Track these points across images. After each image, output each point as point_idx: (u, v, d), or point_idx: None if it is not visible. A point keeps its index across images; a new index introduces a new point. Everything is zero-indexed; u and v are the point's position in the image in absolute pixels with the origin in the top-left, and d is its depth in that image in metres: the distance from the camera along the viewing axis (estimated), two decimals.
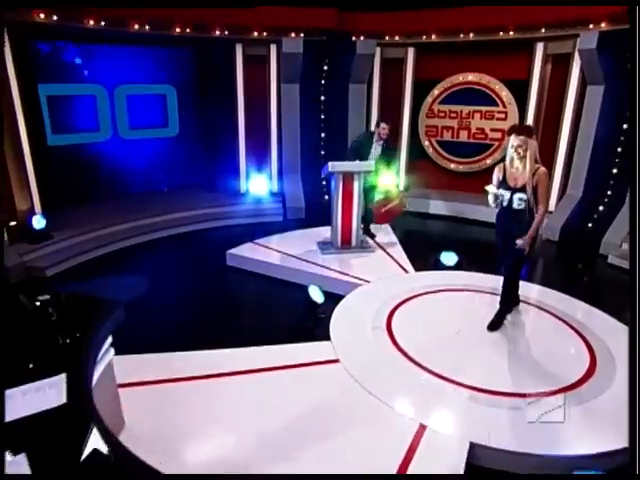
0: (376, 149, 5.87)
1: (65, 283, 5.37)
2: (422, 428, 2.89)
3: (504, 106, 7.59)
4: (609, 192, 6.65)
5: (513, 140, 3.68)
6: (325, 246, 5.88)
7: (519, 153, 3.65)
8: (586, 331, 4.02)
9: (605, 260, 6.14)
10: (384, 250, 5.91)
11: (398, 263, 5.47)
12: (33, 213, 5.99)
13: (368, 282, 4.93)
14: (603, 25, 6.15)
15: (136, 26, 6.55)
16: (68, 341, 2.26)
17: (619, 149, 6.48)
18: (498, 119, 7.63)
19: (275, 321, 4.44)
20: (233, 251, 5.77)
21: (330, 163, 5.42)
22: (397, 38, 7.63)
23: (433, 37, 7.47)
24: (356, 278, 5.00)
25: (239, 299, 5.09)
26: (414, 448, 2.74)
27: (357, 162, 5.58)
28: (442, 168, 8.34)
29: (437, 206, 8.03)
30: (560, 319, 4.24)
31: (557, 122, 7.03)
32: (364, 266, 5.37)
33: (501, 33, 6.97)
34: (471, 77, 7.75)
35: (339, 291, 4.84)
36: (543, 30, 6.73)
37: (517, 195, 3.70)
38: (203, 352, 3.62)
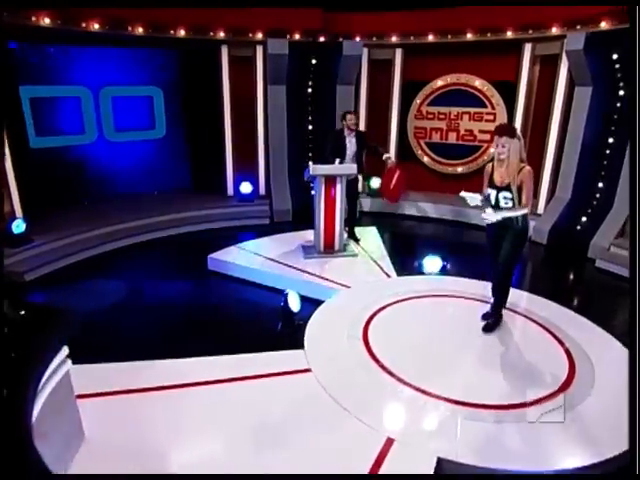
0: (351, 142, 5.78)
1: (44, 288, 5.31)
2: (389, 442, 2.80)
3: (493, 107, 7.50)
4: (597, 195, 6.57)
5: (496, 140, 3.71)
6: (308, 250, 5.80)
7: (502, 153, 3.65)
8: (567, 339, 3.93)
9: (593, 264, 6.06)
10: (368, 254, 5.83)
11: (381, 268, 5.39)
12: (14, 217, 5.91)
13: (348, 287, 4.84)
14: (591, 26, 6.06)
15: (132, 28, 6.51)
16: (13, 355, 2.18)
17: (607, 151, 6.40)
18: (487, 120, 7.55)
19: (251, 328, 4.35)
20: (214, 255, 5.68)
21: (311, 166, 5.33)
22: (385, 39, 7.54)
23: (421, 38, 7.39)
24: (336, 283, 4.92)
25: (216, 305, 4.99)
26: (380, 462, 2.66)
27: (339, 165, 5.50)
28: (431, 170, 8.26)
29: (426, 209, 7.96)
30: (542, 327, 4.15)
31: (546, 123, 6.94)
32: (346, 271, 5.29)
33: (489, 34, 6.89)
34: (459, 79, 7.66)
35: (319, 296, 4.76)
36: (530, 31, 6.64)
37: (502, 194, 3.73)
38: (171, 361, 3.53)
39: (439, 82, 7.82)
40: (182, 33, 6.84)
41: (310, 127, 7.84)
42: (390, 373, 3.44)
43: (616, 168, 6.28)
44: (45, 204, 6.87)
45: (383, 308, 4.40)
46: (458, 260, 6.39)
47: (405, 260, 6.00)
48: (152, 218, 7.03)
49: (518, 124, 7.20)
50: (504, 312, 4.23)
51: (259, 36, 7.19)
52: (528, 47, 6.87)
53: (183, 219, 7.28)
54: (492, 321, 4.11)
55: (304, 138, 7.79)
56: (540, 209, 7.17)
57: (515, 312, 4.35)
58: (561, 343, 3.88)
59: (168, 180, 8.41)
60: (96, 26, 6.32)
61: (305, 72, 7.50)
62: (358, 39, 7.41)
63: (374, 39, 7.56)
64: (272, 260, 5.55)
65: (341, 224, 5.70)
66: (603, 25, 5.96)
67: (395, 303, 4.51)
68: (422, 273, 5.56)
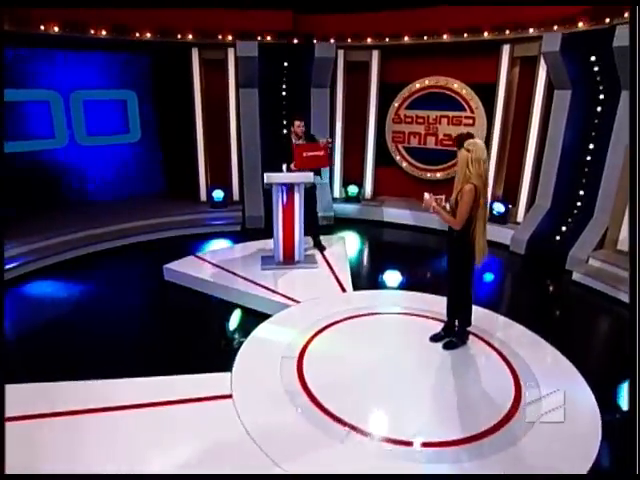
0: None
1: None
2: None
3: (472, 111, 7.19)
4: (578, 203, 6.24)
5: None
6: (267, 261, 5.57)
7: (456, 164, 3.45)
8: (522, 370, 3.60)
9: (570, 276, 5.73)
10: (329, 265, 5.58)
11: (338, 281, 5.13)
12: None
13: (298, 302, 4.61)
14: (567, 26, 5.74)
15: (95, 31, 6.35)
16: None
17: (588, 157, 6.07)
18: (466, 125, 7.24)
19: (187, 345, 4.13)
20: (170, 265, 5.48)
21: (265, 174, 5.12)
22: (360, 41, 7.28)
23: (397, 40, 7.10)
24: (287, 298, 4.68)
25: (160, 320, 4.78)
26: None
27: (295, 174, 5.27)
28: (410, 176, 7.97)
29: (401, 215, 7.69)
30: (499, 353, 3.85)
31: (525, 128, 6.62)
32: (300, 284, 5.05)
33: (465, 35, 6.58)
34: (438, 81, 7.36)
35: (268, 311, 4.55)
36: (507, 32, 6.32)
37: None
38: (84, 382, 3.33)
39: (417, 85, 7.52)
40: (148, 36, 6.67)
41: (285, 131, 7.61)
42: (317, 403, 3.18)
43: (597, 175, 5.96)
44: (12, 209, 6.76)
45: (329, 326, 4.15)
46: (428, 272, 6.12)
47: (370, 272, 5.75)
48: (120, 224, 6.88)
49: (497, 128, 6.89)
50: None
51: (229, 38, 6.98)
52: (506, 48, 6.55)
53: (153, 225, 7.11)
54: (455, 339, 3.85)
55: (278, 142, 7.55)
56: (519, 217, 6.85)
57: (474, 334, 4.05)
58: (514, 374, 3.57)
59: (143, 185, 8.27)
60: (55, 29, 6.18)
61: (278, 75, 7.27)
62: (332, 41, 7.15)
63: (349, 40, 7.30)
64: (227, 271, 5.33)
65: (301, 234, 5.47)
66: (580, 25, 5.63)
67: (342, 321, 4.25)
68: (383, 287, 5.32)
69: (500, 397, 3.28)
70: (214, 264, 5.53)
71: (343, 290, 4.95)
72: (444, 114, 7.40)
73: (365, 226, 7.69)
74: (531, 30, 6.10)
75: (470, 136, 3.49)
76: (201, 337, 4.28)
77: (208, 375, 3.51)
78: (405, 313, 4.43)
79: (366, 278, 5.68)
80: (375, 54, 7.46)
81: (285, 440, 2.86)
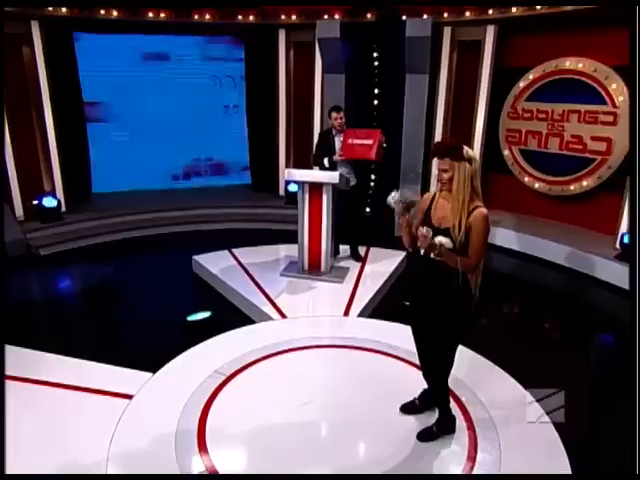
0: (339, 143, 5.29)
1: (53, 265, 6.22)
2: None
3: (614, 104, 5.74)
4: None
5: (436, 163, 2.75)
6: (291, 267, 5.45)
7: (442, 182, 2.71)
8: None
9: None
10: (356, 283, 5.15)
11: (350, 302, 4.70)
12: (51, 194, 6.99)
13: (284, 317, 4.41)
14: None
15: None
16: None
17: None
18: (603, 123, 5.83)
19: (157, 340, 4.32)
20: (198, 258, 5.79)
21: (286, 170, 5.08)
22: (469, 14, 6.48)
23: (521, 10, 6.09)
24: (277, 310, 4.53)
25: (159, 309, 5.07)
26: None
27: (319, 172, 5.10)
28: (525, 187, 6.80)
29: (507, 237, 6.63)
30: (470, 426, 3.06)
31: None
32: (305, 298, 4.88)
33: None
34: (569, 63, 6.09)
35: (255, 318, 4.57)
36: None
37: (439, 238, 2.63)
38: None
39: (543, 69, 6.34)
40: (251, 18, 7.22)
41: (374, 124, 7.26)
42: (203, 449, 2.91)
43: None
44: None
45: (284, 352, 3.86)
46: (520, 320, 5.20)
47: (399, 299, 5.10)
48: (190, 211, 7.57)
49: None
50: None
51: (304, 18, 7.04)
52: None
53: (227, 215, 7.60)
54: (435, 427, 3.05)
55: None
56: None
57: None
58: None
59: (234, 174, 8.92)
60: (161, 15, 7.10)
61: (367, 59, 6.97)
62: (425, 16, 6.53)
63: (456, 15, 6.57)
64: (244, 270, 5.43)
65: (328, 242, 5.19)
66: None
67: (307, 348, 3.91)
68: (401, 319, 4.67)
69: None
70: (239, 261, 5.66)
71: (346, 313, 4.52)
72: (574, 108, 6.10)
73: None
74: None
75: (460, 145, 2.72)
76: (162, 331, 4.47)
77: (130, 371, 3.65)
78: (391, 355, 3.81)
79: (391, 305, 5.00)
80: (490, 31, 6.55)
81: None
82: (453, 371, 2.95)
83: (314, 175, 5.05)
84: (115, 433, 2.97)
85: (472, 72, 6.85)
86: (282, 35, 7.42)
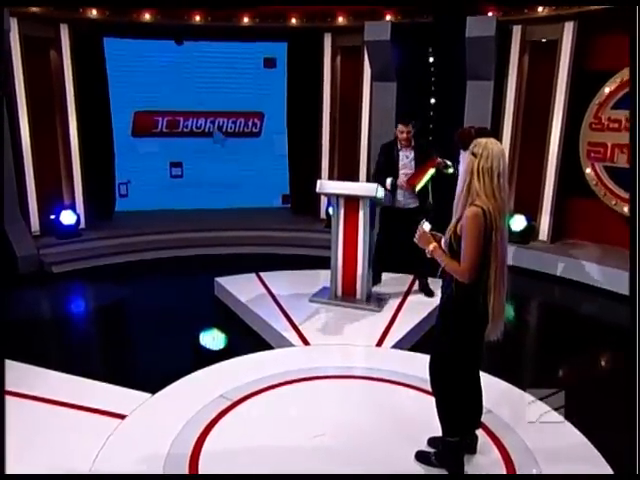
0: (407, 157, 5.19)
1: (64, 282, 6.54)
2: None
3: None
4: None
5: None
6: (322, 293, 5.41)
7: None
8: None
9: None
10: (396, 312, 5.07)
11: (385, 333, 4.61)
12: (71, 207, 7.38)
13: (307, 345, 4.38)
14: None
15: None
16: None
17: None
18: None
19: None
20: (221, 280, 5.91)
21: (318, 182, 5.07)
22: (541, 9, 6.46)
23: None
24: (300, 335, 4.49)
25: (172, 331, 5.16)
26: None
27: (353, 183, 5.14)
28: (612, 211, 6.52)
29: (588, 272, 6.30)
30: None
31: None
32: (335, 325, 4.79)
33: None
34: None
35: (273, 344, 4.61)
36: None
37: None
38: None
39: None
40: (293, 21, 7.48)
41: (430, 138, 7.29)
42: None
43: None
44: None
45: (300, 380, 3.83)
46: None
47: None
48: (225, 232, 7.78)
49: None
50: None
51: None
52: None
53: (261, 238, 7.77)
54: (434, 457, 2.95)
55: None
56: None
57: None
58: None
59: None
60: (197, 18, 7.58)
61: (422, 64, 7.08)
62: (490, 14, 6.58)
63: (525, 11, 6.58)
64: (271, 295, 5.43)
65: (365, 263, 5.12)
66: None
67: (324, 378, 3.86)
68: None
69: None
70: (265, 285, 5.70)
71: (379, 344, 4.44)
72: None
73: (525, 279, 6.56)
74: None
75: (483, 132, 2.71)
76: (172, 354, 4.56)
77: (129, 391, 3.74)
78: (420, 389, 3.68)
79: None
80: (569, 28, 6.47)
81: None
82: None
83: (349, 187, 4.97)
84: (100, 452, 3.00)
85: (546, 77, 6.63)
86: (328, 39, 7.69)
